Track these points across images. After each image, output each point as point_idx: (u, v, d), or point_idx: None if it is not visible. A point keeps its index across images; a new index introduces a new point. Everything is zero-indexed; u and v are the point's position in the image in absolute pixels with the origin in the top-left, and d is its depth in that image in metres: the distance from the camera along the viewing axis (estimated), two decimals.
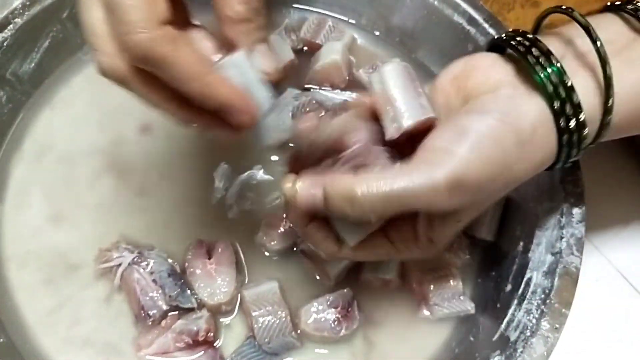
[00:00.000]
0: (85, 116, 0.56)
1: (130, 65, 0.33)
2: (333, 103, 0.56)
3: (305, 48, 0.61)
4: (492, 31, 0.55)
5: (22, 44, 0.54)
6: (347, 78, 0.58)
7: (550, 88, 0.37)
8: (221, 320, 0.48)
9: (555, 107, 0.37)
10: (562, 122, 0.37)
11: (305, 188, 0.38)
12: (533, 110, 0.37)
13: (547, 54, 0.37)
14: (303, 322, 0.47)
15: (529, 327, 0.43)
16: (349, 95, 0.57)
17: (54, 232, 0.50)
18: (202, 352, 0.45)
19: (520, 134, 0.37)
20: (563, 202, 0.47)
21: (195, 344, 0.45)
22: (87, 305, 0.48)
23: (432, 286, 0.48)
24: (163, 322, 0.46)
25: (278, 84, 0.56)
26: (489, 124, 0.37)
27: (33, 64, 0.55)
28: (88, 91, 0.57)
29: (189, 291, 0.47)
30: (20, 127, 0.55)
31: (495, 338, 0.45)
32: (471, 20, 0.56)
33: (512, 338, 0.43)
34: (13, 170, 0.53)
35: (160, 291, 0.46)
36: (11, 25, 0.53)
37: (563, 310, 0.43)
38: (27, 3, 0.53)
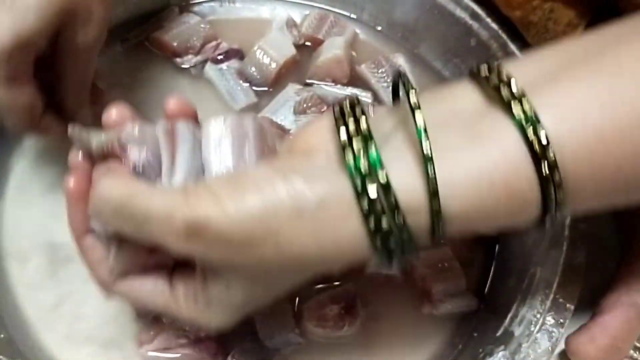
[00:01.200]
0: None
1: None
2: (335, 98, 0.56)
3: (307, 43, 0.61)
4: (494, 26, 0.55)
5: None
6: (349, 73, 0.58)
7: (359, 182, 0.28)
8: None
9: (364, 210, 0.28)
10: (365, 207, 0.28)
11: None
12: (334, 184, 0.29)
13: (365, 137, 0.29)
14: (305, 317, 0.46)
15: (533, 322, 0.43)
16: (350, 91, 0.57)
17: (54, 227, 0.50)
18: (204, 348, 0.45)
19: (300, 203, 0.29)
20: None
21: (197, 340, 0.45)
22: (88, 302, 0.47)
23: (435, 282, 0.48)
24: (164, 319, 0.45)
25: (279, 80, 0.56)
26: (273, 178, 0.29)
27: None
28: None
29: None
30: None
31: (499, 333, 0.44)
32: (474, 15, 0.56)
33: (517, 333, 0.43)
34: (14, 165, 0.53)
35: None
36: None
37: (568, 305, 0.43)
38: None
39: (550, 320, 0.43)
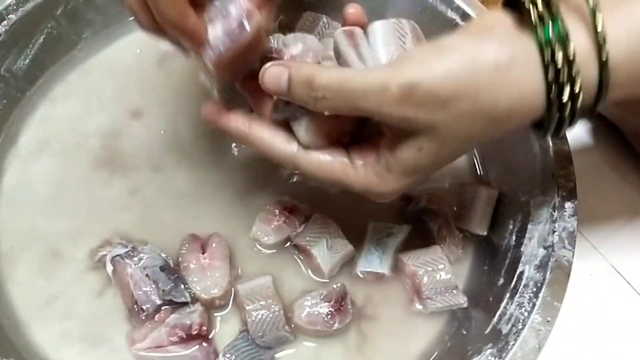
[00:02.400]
0: (80, 112, 0.56)
1: None
2: None
3: None
4: None
5: (16, 40, 0.54)
6: None
7: (548, 55, 0.34)
8: (215, 314, 0.48)
9: (549, 76, 0.34)
10: (550, 74, 0.34)
11: (273, 69, 0.38)
12: (519, 46, 0.35)
13: (551, 10, 0.34)
14: (296, 316, 0.47)
15: (520, 320, 0.43)
16: None
17: (48, 227, 0.51)
18: (196, 346, 0.46)
19: (495, 60, 0.34)
20: (555, 196, 0.47)
21: (188, 337, 0.45)
22: (81, 300, 0.48)
23: (425, 280, 0.48)
24: (156, 317, 0.46)
25: None
26: (464, 43, 0.35)
27: (28, 61, 0.56)
28: (83, 88, 0.57)
29: (182, 285, 0.47)
30: (16, 124, 0.55)
31: (487, 331, 0.45)
32: (465, 16, 0.56)
33: (504, 331, 0.44)
34: (8, 166, 0.53)
35: (153, 285, 0.46)
36: (5, 22, 0.53)
37: (555, 303, 0.43)
38: None
39: (537, 318, 0.43)
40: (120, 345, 0.46)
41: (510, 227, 0.50)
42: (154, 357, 0.45)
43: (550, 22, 0.34)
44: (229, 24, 0.39)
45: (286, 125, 0.41)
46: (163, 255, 0.48)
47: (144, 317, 0.46)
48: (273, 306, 0.46)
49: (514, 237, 0.49)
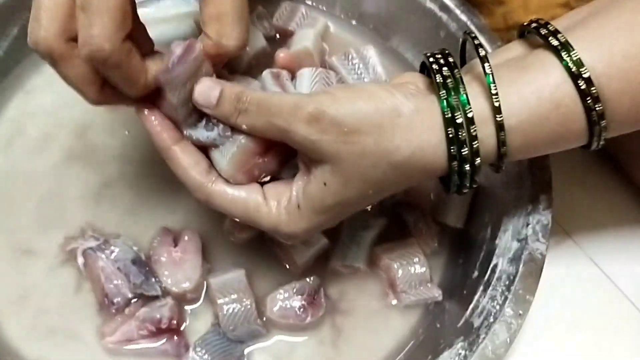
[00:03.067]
0: (55, 105, 0.55)
1: (63, 49, 0.37)
2: None
3: (278, 35, 0.60)
4: (463, 17, 0.55)
5: None
6: (320, 65, 0.58)
7: (449, 114, 0.36)
8: (187, 307, 0.48)
9: (449, 132, 0.36)
10: (450, 131, 0.36)
11: (207, 82, 0.39)
12: (423, 102, 0.37)
13: (455, 76, 0.37)
14: (269, 309, 0.47)
15: (492, 314, 0.43)
16: None
17: (19, 220, 0.50)
18: (165, 339, 0.45)
19: (399, 108, 0.36)
20: (530, 189, 0.47)
21: (158, 331, 0.45)
22: (52, 295, 0.47)
23: (399, 273, 0.48)
24: (127, 310, 0.46)
25: (248, 72, 0.56)
26: (375, 88, 0.37)
27: (1, 52, 0.55)
28: (58, 80, 0.56)
29: (153, 279, 0.46)
30: None
31: (460, 324, 0.45)
32: (443, 7, 0.56)
33: (476, 324, 0.43)
34: None
35: (125, 279, 0.46)
36: None
37: (527, 296, 0.43)
38: None
39: (509, 311, 0.43)
40: (90, 339, 0.46)
41: (486, 220, 0.50)
42: (124, 351, 0.45)
43: (453, 86, 0.37)
44: (176, 51, 0.38)
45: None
46: (135, 248, 0.48)
47: (114, 311, 0.46)
48: (245, 300, 0.46)
49: (489, 230, 0.49)
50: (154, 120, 0.40)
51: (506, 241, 0.46)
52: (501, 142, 0.37)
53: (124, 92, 0.39)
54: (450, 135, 0.36)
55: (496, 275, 0.45)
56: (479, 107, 0.36)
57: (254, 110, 0.38)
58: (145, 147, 0.54)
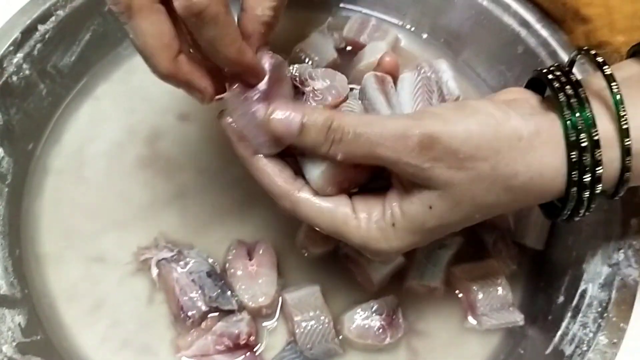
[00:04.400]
0: (125, 111, 0.55)
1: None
2: None
3: (349, 47, 0.59)
4: (544, 33, 0.53)
5: (63, 36, 0.53)
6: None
7: (573, 137, 0.34)
8: (262, 323, 0.46)
9: (572, 156, 0.34)
10: (574, 155, 0.34)
11: (281, 114, 0.36)
12: (544, 123, 0.35)
13: (580, 95, 0.35)
14: (346, 328, 0.45)
15: (585, 342, 0.41)
16: None
17: (92, 229, 0.49)
18: (242, 356, 0.44)
19: (518, 130, 0.34)
20: (620, 212, 0.45)
21: (235, 347, 0.44)
22: (125, 305, 0.47)
23: (480, 295, 0.47)
24: (203, 324, 0.45)
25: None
26: (489, 108, 0.35)
27: (74, 57, 0.55)
28: (128, 87, 0.56)
29: (229, 292, 0.45)
30: (60, 121, 0.54)
31: (548, 351, 0.43)
32: (523, 22, 0.54)
33: (567, 352, 0.42)
34: (52, 163, 0.52)
35: (199, 291, 0.45)
36: (53, 17, 0.52)
37: (621, 324, 0.41)
38: None
39: (603, 339, 0.41)
40: (164, 352, 0.45)
41: (570, 242, 0.48)
42: None
43: (577, 106, 0.34)
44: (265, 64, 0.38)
45: (294, 161, 0.39)
46: (210, 260, 0.47)
47: (189, 324, 0.45)
48: (322, 317, 0.45)
49: (574, 253, 0.47)
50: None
51: (595, 266, 0.44)
52: (626, 168, 0.34)
53: (213, 57, 0.36)
54: (574, 160, 0.34)
55: (586, 301, 0.43)
56: (604, 128, 0.34)
57: (350, 140, 0.34)
58: (216, 157, 0.53)
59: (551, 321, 0.45)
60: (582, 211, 0.36)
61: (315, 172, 0.38)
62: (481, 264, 0.48)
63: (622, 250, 0.44)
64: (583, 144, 0.34)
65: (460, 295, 0.48)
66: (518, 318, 0.47)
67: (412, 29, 0.61)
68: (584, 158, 0.34)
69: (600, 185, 0.34)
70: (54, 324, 0.46)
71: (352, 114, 0.38)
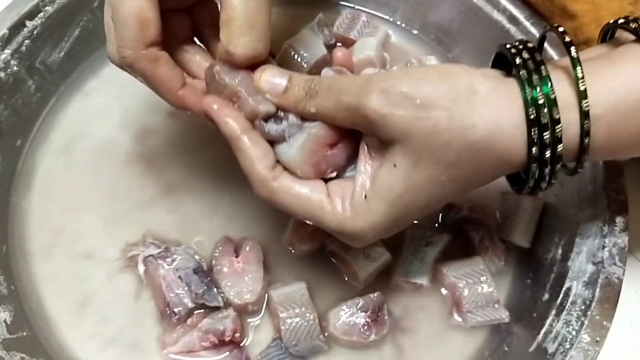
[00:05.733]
0: (114, 108, 0.55)
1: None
2: None
3: (339, 44, 0.59)
4: (533, 30, 0.53)
5: (52, 32, 0.53)
6: None
7: (530, 94, 0.34)
8: (247, 320, 0.47)
9: (530, 113, 0.34)
10: (531, 112, 0.34)
11: (271, 72, 0.39)
12: (501, 83, 0.36)
13: (541, 70, 0.35)
14: (332, 325, 0.45)
15: (568, 339, 0.41)
16: None
17: (80, 225, 0.50)
18: (228, 352, 0.44)
19: (474, 84, 0.35)
20: (606, 210, 0.45)
21: (221, 343, 0.44)
22: (112, 302, 0.47)
23: (465, 292, 0.47)
24: (189, 320, 0.45)
25: None
26: (450, 65, 0.37)
27: (62, 53, 0.55)
28: (117, 82, 0.56)
29: (215, 289, 0.45)
30: (49, 118, 0.54)
31: (532, 349, 0.43)
32: (512, 19, 0.54)
33: (550, 350, 0.42)
34: (40, 160, 0.52)
35: (186, 288, 0.45)
36: (42, 13, 0.52)
37: (605, 322, 0.41)
38: None
39: (586, 337, 0.41)
40: (150, 348, 0.45)
41: (556, 240, 0.48)
42: None
43: (533, 67, 0.35)
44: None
45: None
46: (197, 257, 0.47)
47: (175, 320, 0.45)
48: (308, 314, 0.45)
49: (559, 251, 0.47)
50: (223, 110, 0.39)
51: (580, 264, 0.45)
52: (585, 132, 0.34)
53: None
54: (532, 117, 0.34)
55: (570, 299, 0.43)
56: (563, 92, 0.34)
57: (324, 91, 0.37)
58: (205, 154, 0.53)
59: (536, 318, 0.45)
60: (546, 177, 0.36)
61: (291, 150, 0.38)
62: (467, 261, 0.48)
63: (606, 249, 0.44)
64: (540, 101, 0.34)
65: (446, 292, 0.48)
66: (504, 315, 0.47)
67: (403, 25, 0.61)
68: (541, 117, 0.34)
69: (562, 145, 0.34)
70: (41, 321, 0.46)
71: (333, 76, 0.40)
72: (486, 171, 0.36)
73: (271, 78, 0.38)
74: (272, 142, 0.39)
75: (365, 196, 0.37)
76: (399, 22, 0.61)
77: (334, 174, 0.39)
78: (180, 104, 0.40)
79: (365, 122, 0.35)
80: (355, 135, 0.38)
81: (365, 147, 0.38)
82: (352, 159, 0.39)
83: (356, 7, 0.61)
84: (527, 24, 0.54)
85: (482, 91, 0.34)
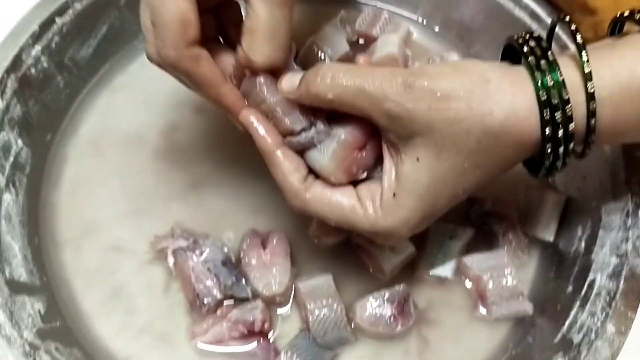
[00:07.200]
0: (141, 103, 0.56)
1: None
2: None
3: (361, 40, 0.60)
4: None
5: (80, 29, 0.54)
6: None
7: (539, 78, 0.36)
8: (276, 311, 0.47)
9: (541, 95, 0.36)
10: (542, 95, 0.36)
11: (288, 76, 0.39)
12: (510, 70, 0.38)
13: (547, 56, 0.37)
14: (358, 316, 0.46)
15: (593, 330, 0.42)
16: None
17: (109, 218, 0.51)
18: (256, 342, 0.45)
19: (486, 73, 0.36)
20: (629, 202, 0.46)
21: (250, 334, 0.45)
22: (142, 294, 0.48)
23: (490, 285, 0.47)
24: (218, 311, 0.46)
25: None
26: (460, 60, 0.42)
27: (91, 50, 0.56)
28: (144, 78, 0.57)
29: (244, 281, 0.46)
30: (78, 113, 0.55)
31: (556, 340, 0.44)
32: (533, 15, 0.55)
33: (576, 341, 0.42)
34: (70, 155, 0.53)
35: (215, 280, 0.46)
36: (70, 10, 0.53)
37: (629, 313, 0.42)
38: None
39: (611, 328, 0.42)
40: (180, 339, 0.46)
41: (579, 233, 0.48)
42: (213, 353, 0.45)
43: (540, 53, 0.37)
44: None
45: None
46: (225, 249, 0.48)
47: (205, 311, 0.46)
48: (335, 306, 0.45)
49: (583, 244, 0.48)
50: (260, 125, 0.40)
51: (604, 256, 0.45)
52: (591, 113, 0.36)
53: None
54: (543, 99, 0.36)
55: (594, 291, 0.44)
56: (570, 75, 0.36)
57: (343, 75, 0.37)
58: (230, 149, 0.54)
59: (560, 310, 0.46)
60: (560, 156, 0.38)
61: (324, 158, 0.39)
62: (491, 254, 0.49)
63: (630, 241, 0.44)
64: (549, 83, 0.36)
65: (470, 285, 0.49)
66: (527, 307, 0.47)
67: (424, 22, 0.62)
68: (552, 98, 0.36)
69: (573, 123, 0.36)
70: (73, 312, 0.47)
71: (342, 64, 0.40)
72: (504, 154, 0.37)
73: (287, 78, 0.39)
74: (302, 149, 0.40)
75: (394, 194, 0.38)
76: (420, 20, 0.62)
77: (365, 175, 0.40)
78: (221, 102, 0.41)
79: (388, 117, 0.36)
80: (379, 134, 0.39)
81: (385, 146, 0.39)
82: (380, 157, 0.40)
83: (378, 4, 0.62)
84: (548, 21, 0.54)
85: (494, 79, 0.36)
